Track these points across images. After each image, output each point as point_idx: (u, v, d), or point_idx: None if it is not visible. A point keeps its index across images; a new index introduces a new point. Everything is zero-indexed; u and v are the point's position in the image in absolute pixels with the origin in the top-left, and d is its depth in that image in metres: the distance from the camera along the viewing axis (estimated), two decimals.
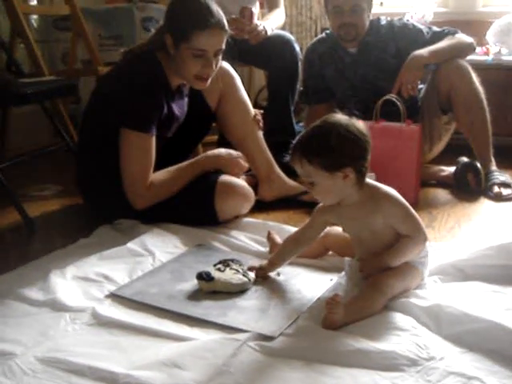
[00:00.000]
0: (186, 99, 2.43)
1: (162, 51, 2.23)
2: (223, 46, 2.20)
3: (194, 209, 2.27)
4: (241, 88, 2.58)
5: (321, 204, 1.74)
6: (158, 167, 2.26)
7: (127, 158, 2.20)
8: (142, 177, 2.20)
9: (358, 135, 1.57)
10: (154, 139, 2.21)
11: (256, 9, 3.37)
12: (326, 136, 1.56)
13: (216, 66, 2.22)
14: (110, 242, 2.11)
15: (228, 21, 2.94)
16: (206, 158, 2.35)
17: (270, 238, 2.02)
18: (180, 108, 2.37)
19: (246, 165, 2.40)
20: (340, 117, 1.60)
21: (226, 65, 2.54)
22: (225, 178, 2.29)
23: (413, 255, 1.64)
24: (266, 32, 3.03)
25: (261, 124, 2.60)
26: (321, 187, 1.61)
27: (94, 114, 2.33)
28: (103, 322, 1.58)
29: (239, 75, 2.65)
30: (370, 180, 1.66)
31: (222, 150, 2.38)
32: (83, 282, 1.82)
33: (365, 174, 1.61)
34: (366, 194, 1.63)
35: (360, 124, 1.60)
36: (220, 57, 2.23)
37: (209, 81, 2.25)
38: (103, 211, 2.33)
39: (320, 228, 1.78)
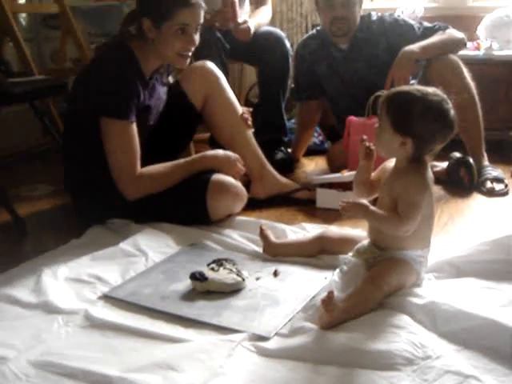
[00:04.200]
0: (164, 88, 2.45)
1: (133, 41, 2.25)
2: (202, 21, 2.25)
3: (186, 207, 2.26)
4: (226, 87, 2.56)
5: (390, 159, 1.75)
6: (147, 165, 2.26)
7: (111, 147, 2.19)
8: (130, 165, 2.19)
9: (442, 122, 1.57)
10: (134, 126, 2.20)
11: (247, 5, 3.37)
12: (415, 101, 1.57)
13: (197, 42, 2.27)
14: (102, 243, 2.09)
15: (212, 15, 2.95)
16: (204, 157, 2.33)
17: (262, 234, 2.01)
18: (157, 95, 2.38)
19: (243, 168, 2.37)
20: (443, 97, 1.59)
21: (210, 65, 2.54)
22: (217, 176, 2.27)
23: (384, 228, 1.63)
24: (249, 29, 3.02)
25: (249, 122, 2.58)
26: (381, 134, 1.62)
27: (74, 112, 2.32)
28: (96, 324, 1.56)
29: (230, 72, 2.63)
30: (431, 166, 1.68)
31: (220, 152, 2.36)
32: (75, 283, 1.80)
33: (423, 155, 1.62)
34: (413, 168, 1.63)
35: (454, 116, 1.60)
36: (198, 33, 2.27)
37: (188, 60, 2.28)
38: (93, 211, 2.31)
39: (378, 177, 1.76)
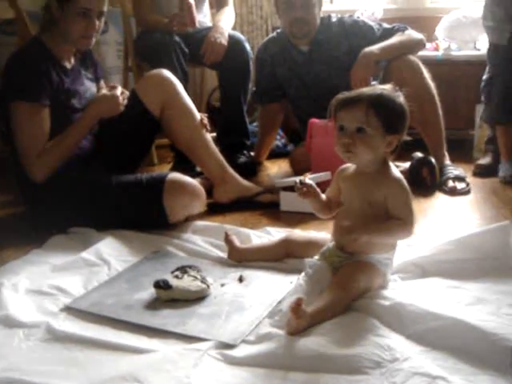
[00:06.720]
0: (93, 83, 2.47)
1: (44, 31, 2.30)
2: (105, 9, 2.30)
3: (143, 208, 2.24)
4: (183, 94, 2.54)
5: (342, 166, 1.73)
6: (110, 174, 2.26)
7: (17, 130, 2.22)
8: (35, 148, 2.21)
9: (407, 114, 1.61)
10: (45, 110, 2.21)
11: (206, 8, 3.34)
12: (395, 100, 1.59)
13: (99, 28, 2.31)
14: (63, 252, 2.06)
15: (169, 19, 2.93)
16: (88, 108, 2.32)
17: (228, 240, 1.99)
18: (81, 82, 2.38)
19: (122, 101, 2.35)
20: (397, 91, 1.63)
21: (165, 72, 2.53)
22: (173, 175, 2.26)
23: (394, 238, 1.65)
24: (222, 45, 3.01)
25: (208, 127, 2.57)
26: (367, 139, 1.57)
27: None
28: (59, 337, 1.52)
29: (191, 76, 2.60)
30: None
31: (99, 95, 2.37)
32: (37, 295, 1.76)
33: (396, 150, 1.64)
34: (382, 170, 1.63)
35: None
36: (103, 20, 2.31)
37: (92, 40, 2.30)
38: (52, 220, 2.29)
39: (336, 190, 1.74)
